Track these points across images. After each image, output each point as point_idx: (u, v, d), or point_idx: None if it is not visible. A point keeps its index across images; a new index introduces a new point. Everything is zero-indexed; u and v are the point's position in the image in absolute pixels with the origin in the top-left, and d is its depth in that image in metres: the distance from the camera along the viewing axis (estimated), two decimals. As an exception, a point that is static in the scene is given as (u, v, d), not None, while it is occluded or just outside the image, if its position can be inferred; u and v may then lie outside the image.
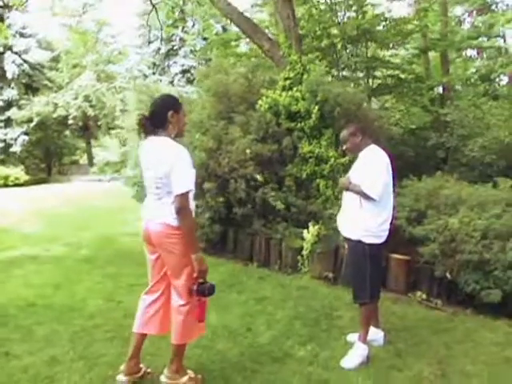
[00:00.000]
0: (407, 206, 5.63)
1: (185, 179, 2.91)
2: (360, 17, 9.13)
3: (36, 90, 23.66)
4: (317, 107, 6.02)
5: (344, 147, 3.97)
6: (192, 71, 22.61)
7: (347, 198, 3.89)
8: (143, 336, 3.23)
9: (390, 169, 3.76)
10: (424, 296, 5.27)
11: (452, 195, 5.57)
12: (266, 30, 8.23)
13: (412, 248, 5.59)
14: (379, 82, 9.77)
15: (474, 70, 14.50)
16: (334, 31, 9.54)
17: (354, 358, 3.63)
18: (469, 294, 4.93)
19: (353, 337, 3.91)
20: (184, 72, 23.06)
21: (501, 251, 4.78)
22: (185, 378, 3.14)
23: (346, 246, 4.35)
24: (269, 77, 6.90)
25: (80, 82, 21.68)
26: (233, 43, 10.70)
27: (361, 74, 9.55)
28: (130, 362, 3.19)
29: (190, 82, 22.12)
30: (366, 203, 3.69)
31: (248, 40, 9.98)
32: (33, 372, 3.25)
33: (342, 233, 4.00)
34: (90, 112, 21.10)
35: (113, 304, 4.61)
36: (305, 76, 6.37)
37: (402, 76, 9.65)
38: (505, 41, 15.16)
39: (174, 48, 23.19)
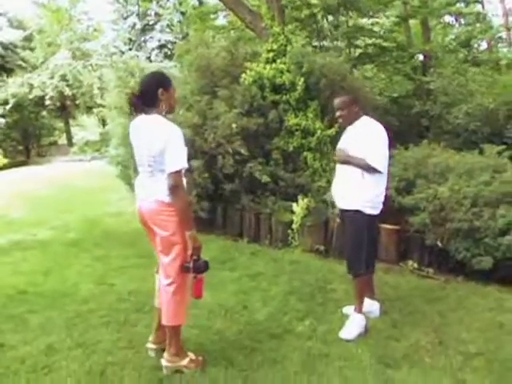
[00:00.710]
0: (396, 175, 5.61)
1: (178, 157, 2.88)
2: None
3: (10, 71, 22.93)
4: (302, 79, 5.93)
5: (338, 114, 3.82)
6: (169, 46, 22.24)
7: (344, 169, 3.80)
8: None
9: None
10: (415, 265, 5.31)
11: (440, 163, 5.57)
12: (247, 2, 8.01)
13: (401, 217, 5.61)
14: (360, 51, 9.67)
15: (452, 37, 14.49)
16: (314, 1, 9.37)
17: (352, 328, 3.66)
18: (460, 261, 4.98)
19: (348, 309, 3.92)
20: (161, 47, 22.60)
21: (491, 218, 4.81)
22: (185, 361, 3.13)
23: (339, 219, 4.32)
24: (251, 49, 6.74)
25: (55, 61, 21.02)
26: (211, 16, 10.44)
27: (342, 44, 9.43)
28: (157, 332, 3.27)
29: (167, 56, 21.71)
30: (367, 174, 3.65)
31: (226, 13, 9.80)
32: (30, 362, 3.19)
33: (337, 204, 3.95)
34: (67, 91, 20.53)
35: (105, 287, 4.54)
36: (288, 48, 6.25)
37: (384, 44, 9.55)
38: (483, 7, 15.13)
39: (150, 23, 22.65)
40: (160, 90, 2.97)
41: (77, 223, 7.31)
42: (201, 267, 2.99)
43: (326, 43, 9.53)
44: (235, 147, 5.79)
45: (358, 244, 3.74)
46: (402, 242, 5.55)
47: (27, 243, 6.28)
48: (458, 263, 5.06)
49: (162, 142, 2.85)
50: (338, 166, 3.91)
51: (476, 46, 14.72)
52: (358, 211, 3.68)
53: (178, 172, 2.88)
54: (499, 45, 15.02)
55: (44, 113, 23.48)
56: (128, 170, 7.04)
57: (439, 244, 5.11)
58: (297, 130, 6.16)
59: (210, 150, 5.89)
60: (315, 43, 9.12)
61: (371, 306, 3.98)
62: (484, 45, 15.46)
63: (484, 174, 5.27)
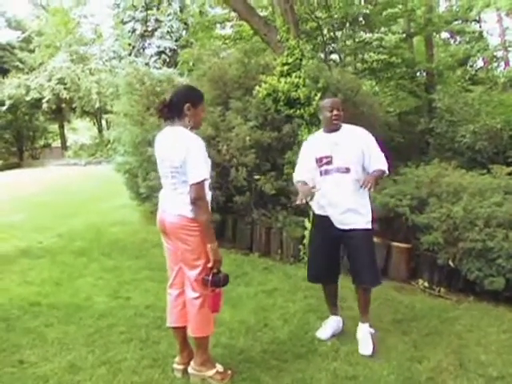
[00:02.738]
0: (408, 193, 5.64)
1: (200, 168, 2.88)
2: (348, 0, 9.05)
3: (7, 72, 22.69)
4: (319, 94, 5.92)
5: (335, 113, 3.59)
6: (168, 53, 22.19)
7: (343, 188, 3.60)
8: (182, 328, 3.18)
9: None
10: (426, 284, 5.31)
11: (453, 183, 5.61)
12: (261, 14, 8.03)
13: (412, 236, 5.63)
14: (366, 66, 9.75)
15: (449, 55, 14.70)
16: (320, 14, 9.43)
17: (370, 343, 3.68)
18: (470, 281, 5.00)
19: (360, 330, 3.83)
20: (160, 53, 22.53)
21: (504, 239, 4.84)
22: (211, 372, 3.12)
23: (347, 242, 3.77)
24: (264, 61, 6.73)
25: (54, 64, 20.85)
26: (218, 25, 10.45)
27: (348, 58, 9.51)
28: (182, 354, 3.24)
29: (166, 63, 21.66)
30: (358, 188, 3.57)
31: (233, 23, 9.81)
32: (54, 381, 3.10)
33: (342, 226, 3.65)
34: (65, 94, 20.36)
35: (121, 301, 4.46)
36: (304, 61, 6.25)
37: (391, 60, 9.64)
38: (480, 26, 15.39)
39: (150, 29, 22.54)
40: (187, 105, 2.98)
41: (82, 231, 7.21)
42: (220, 281, 2.98)
43: (331, 57, 9.62)
44: (251, 161, 5.76)
45: (374, 258, 3.77)
46: (412, 261, 5.56)
47: (34, 251, 6.17)
48: (467, 283, 5.08)
49: (183, 153, 2.85)
50: (333, 186, 3.62)
51: (472, 64, 14.99)
52: (367, 229, 3.66)
53: (200, 183, 2.87)
54: (495, 64, 15.32)
55: (39, 115, 23.26)
56: (136, 179, 6.98)
57: (451, 263, 5.12)
58: (310, 145, 6.15)
59: (222, 161, 5.86)
60: (322, 56, 9.16)
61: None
62: (479, 63, 15.77)
63: (495, 195, 5.32)
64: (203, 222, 2.90)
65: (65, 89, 20.56)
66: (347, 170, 3.58)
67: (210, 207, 3.01)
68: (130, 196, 7.97)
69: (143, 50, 22.82)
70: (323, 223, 3.76)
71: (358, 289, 3.81)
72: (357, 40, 9.34)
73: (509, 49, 14.41)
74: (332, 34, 9.35)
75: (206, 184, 2.95)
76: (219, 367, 3.17)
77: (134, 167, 7.07)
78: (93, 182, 12.90)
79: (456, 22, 13.40)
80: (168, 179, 3.03)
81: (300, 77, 6.18)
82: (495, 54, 14.60)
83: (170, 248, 3.14)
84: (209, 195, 3.02)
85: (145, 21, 21.88)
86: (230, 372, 3.18)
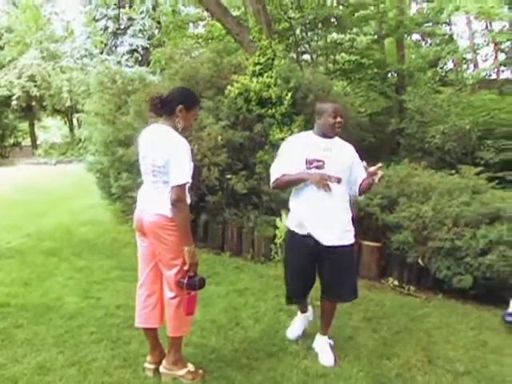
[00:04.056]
0: (378, 192, 5.70)
1: (183, 171, 2.85)
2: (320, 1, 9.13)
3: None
4: (290, 94, 5.95)
5: (339, 120, 3.34)
6: (140, 51, 21.96)
7: (334, 199, 3.33)
8: (153, 329, 3.19)
9: None
10: (396, 282, 5.40)
11: (423, 183, 5.71)
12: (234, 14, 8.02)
13: (382, 235, 5.71)
14: (338, 66, 9.84)
15: (419, 56, 14.92)
16: (293, 14, 9.49)
17: (331, 354, 3.57)
18: (438, 279, 5.11)
19: (320, 342, 3.69)
20: (132, 52, 22.22)
21: (472, 238, 4.95)
22: (183, 371, 3.12)
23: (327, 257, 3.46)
24: (236, 61, 6.73)
25: (24, 61, 20.39)
26: (191, 25, 10.40)
27: (320, 59, 9.58)
28: (153, 353, 3.21)
29: (138, 62, 21.43)
30: (347, 202, 3.46)
31: (205, 22, 9.79)
32: (23, 383, 3.04)
33: (328, 243, 3.36)
34: (35, 92, 19.93)
35: (92, 301, 4.40)
36: (276, 62, 6.28)
37: (362, 61, 9.75)
38: (450, 28, 15.68)
39: (122, 27, 22.26)
40: (180, 106, 2.95)
41: (52, 230, 7.07)
42: (195, 285, 2.97)
43: (303, 57, 9.68)
44: (223, 160, 5.75)
45: (354, 272, 3.73)
46: (382, 260, 5.64)
47: (2, 251, 6.03)
48: (436, 281, 5.18)
49: (167, 153, 2.84)
50: (321, 196, 3.31)
51: (441, 66, 15.24)
52: (351, 245, 3.46)
53: (182, 186, 2.86)
54: (464, 66, 15.62)
55: (8, 113, 22.72)
56: (107, 178, 6.90)
57: (420, 262, 5.22)
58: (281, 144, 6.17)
59: (194, 161, 5.82)
60: (293, 56, 9.21)
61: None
62: (449, 65, 16.05)
63: (464, 195, 5.43)
64: (182, 224, 2.89)
65: (35, 86, 20.09)
66: (338, 181, 3.32)
67: (188, 210, 2.99)
68: (101, 196, 7.87)
69: (115, 48, 22.47)
70: (302, 244, 3.44)
71: (327, 303, 3.61)
72: (328, 41, 9.41)
73: (477, 51, 14.73)
74: (304, 34, 9.40)
75: (187, 186, 2.93)
76: (190, 366, 3.17)
77: (105, 167, 6.98)
78: (63, 181, 12.69)
79: (427, 25, 13.61)
80: (149, 176, 3.01)
81: (272, 77, 6.20)
82: (465, 56, 14.89)
83: (145, 247, 3.11)
84: (188, 197, 2.99)
85: (117, 18, 21.59)
86: (201, 371, 3.19)
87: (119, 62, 19.44)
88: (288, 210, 3.67)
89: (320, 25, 9.23)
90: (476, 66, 14.78)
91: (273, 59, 6.34)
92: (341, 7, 8.90)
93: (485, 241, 4.87)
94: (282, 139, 6.14)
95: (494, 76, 13.63)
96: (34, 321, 3.95)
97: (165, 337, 3.19)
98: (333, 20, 8.85)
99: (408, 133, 8.55)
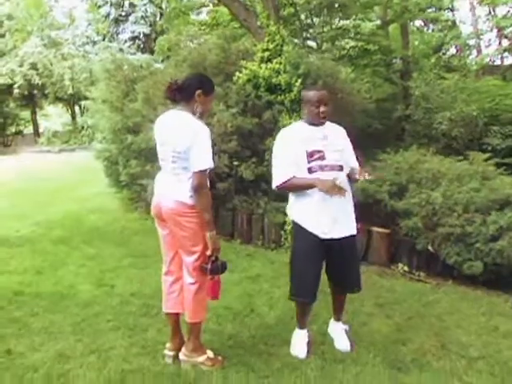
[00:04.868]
0: (388, 179, 5.70)
1: (205, 156, 2.86)
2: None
3: (-25, 57, 21.86)
4: (299, 80, 5.91)
5: (323, 109, 3.20)
6: (142, 38, 21.81)
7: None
8: (176, 315, 3.20)
9: None
10: (406, 268, 5.42)
11: (432, 169, 5.70)
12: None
13: (391, 221, 5.71)
14: (343, 53, 9.78)
15: (422, 42, 14.83)
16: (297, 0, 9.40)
17: (347, 339, 3.58)
18: (448, 265, 5.12)
19: (335, 328, 3.71)
20: (134, 39, 22.09)
21: (482, 224, 4.95)
22: (202, 358, 3.14)
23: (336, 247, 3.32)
24: (244, 47, 6.68)
25: (25, 49, 20.25)
26: (195, 11, 10.31)
27: (325, 45, 9.52)
28: (174, 340, 3.23)
29: (140, 49, 21.28)
30: (349, 190, 3.33)
31: (208, 8, 9.70)
32: (44, 371, 3.06)
33: (337, 235, 3.26)
34: (37, 80, 19.81)
35: (106, 289, 4.42)
36: (285, 48, 6.22)
37: (367, 47, 9.68)
38: (453, 14, 15.59)
39: (124, 14, 22.07)
40: (198, 91, 2.95)
41: (60, 219, 7.09)
42: (218, 269, 3.01)
43: (308, 43, 9.61)
44: (230, 147, 5.73)
45: (358, 261, 3.68)
46: (392, 246, 5.66)
47: (12, 240, 6.04)
48: (446, 267, 5.19)
49: (188, 139, 2.83)
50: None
51: (444, 51, 15.16)
52: (355, 235, 3.40)
53: (204, 171, 2.87)
54: (467, 52, 15.53)
55: (10, 101, 22.61)
56: (115, 166, 6.88)
57: (430, 248, 5.23)
58: (291, 130, 6.16)
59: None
60: (299, 42, 9.15)
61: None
62: (452, 51, 15.97)
63: (473, 181, 5.42)
64: (204, 210, 2.90)
65: (37, 74, 20.02)
66: (340, 168, 3.22)
67: (210, 195, 2.98)
68: (108, 183, 7.87)
69: (117, 35, 22.31)
70: (310, 241, 3.28)
71: (338, 293, 3.60)
72: (334, 27, 9.35)
73: (481, 37, 14.65)
74: (310, 20, 9.33)
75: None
76: (210, 353, 3.19)
77: (113, 154, 6.96)
78: (68, 169, 12.69)
79: (429, 10, 13.51)
80: (168, 163, 3.00)
81: (281, 63, 6.14)
82: (468, 42, 14.82)
83: (166, 234, 3.12)
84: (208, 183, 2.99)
85: (119, 5, 21.38)
86: (220, 358, 3.21)
87: (121, 49, 19.29)
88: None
89: (325, 10, 9.14)
90: (479, 51, 14.71)
91: (281, 45, 6.27)
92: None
93: (495, 227, 4.86)
94: (291, 126, 6.15)
95: (497, 62, 13.62)
96: (50, 309, 3.97)
97: (184, 324, 3.21)
98: (338, 6, 8.77)
99: (414, 119, 8.52)
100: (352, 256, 3.44)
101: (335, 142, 3.27)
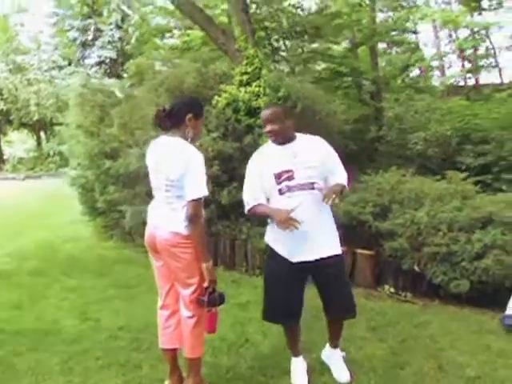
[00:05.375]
0: (370, 200, 5.70)
1: (199, 184, 2.76)
2: (296, 11, 9.18)
3: None
4: (280, 103, 5.90)
5: (268, 128, 3.10)
6: (108, 62, 21.55)
7: (310, 208, 3.04)
8: (173, 351, 3.06)
9: None
10: (392, 289, 5.40)
11: (414, 189, 5.74)
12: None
13: (375, 242, 5.71)
14: (315, 75, 9.90)
15: (388, 64, 15.24)
16: (268, 24, 9.49)
17: (346, 369, 3.43)
18: (435, 285, 5.13)
19: (332, 356, 3.55)
20: (100, 63, 21.81)
21: (467, 243, 4.99)
22: None
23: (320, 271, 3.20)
24: (221, 71, 6.65)
25: (-10, 74, 19.82)
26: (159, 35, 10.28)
27: (297, 68, 9.62)
28: (172, 377, 3.07)
29: (107, 74, 21.00)
30: (327, 208, 3.16)
31: (180, 32, 9.69)
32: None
33: (312, 257, 3.11)
34: (1, 106, 19.30)
35: (91, 323, 4.21)
36: (263, 71, 6.22)
37: (339, 69, 9.84)
38: (416, 37, 16.11)
39: (90, 38, 21.76)
40: (189, 116, 2.87)
41: (33, 249, 6.82)
42: (215, 300, 2.89)
43: (281, 66, 9.70)
44: (212, 172, 5.64)
45: (349, 285, 3.42)
46: (377, 267, 5.64)
47: (-16, 273, 5.74)
48: (431, 287, 5.20)
49: (182, 166, 2.73)
50: (299, 206, 2.98)
51: (408, 73, 15.61)
52: (340, 254, 3.23)
53: (198, 200, 2.77)
54: (431, 73, 16.05)
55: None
56: (91, 193, 6.69)
57: (416, 268, 5.23)
58: (271, 154, 6.12)
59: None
60: (271, 66, 9.22)
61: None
62: (415, 72, 16.48)
63: (454, 200, 5.48)
64: (199, 240, 2.80)
65: (1, 100, 19.54)
66: (312, 186, 3.07)
67: (205, 225, 2.90)
68: (82, 211, 7.64)
69: (83, 59, 22.03)
70: (283, 263, 3.16)
71: (333, 321, 3.42)
72: (305, 50, 9.47)
73: (443, 59, 15.13)
74: (281, 42, 9.43)
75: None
76: None
77: (89, 181, 6.77)
78: (35, 196, 12.33)
79: (394, 33, 13.92)
80: (161, 192, 2.90)
81: (260, 86, 6.14)
82: (431, 63, 15.30)
83: (160, 266, 3.00)
84: (203, 212, 2.90)
85: (86, 30, 21.16)
86: None
87: (88, 74, 19.05)
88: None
89: (295, 34, 9.26)
90: (442, 72, 15.20)
91: (260, 68, 6.28)
92: (317, 16, 8.96)
93: (480, 245, 4.90)
94: (272, 149, 6.11)
95: (461, 83, 14.09)
96: (34, 347, 3.75)
97: (181, 358, 3.07)
98: (309, 29, 8.89)
99: (387, 140, 8.65)
100: (338, 279, 3.22)
101: (307, 158, 3.07)
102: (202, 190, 2.77)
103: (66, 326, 4.17)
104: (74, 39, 21.87)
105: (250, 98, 6.10)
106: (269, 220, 3.29)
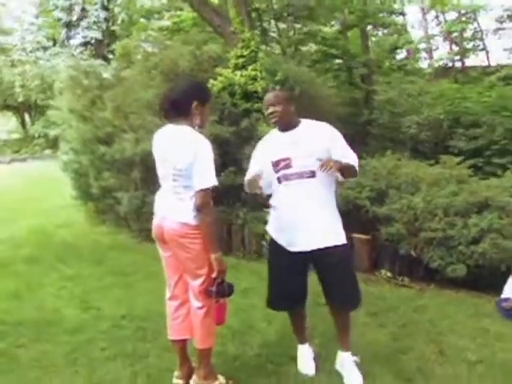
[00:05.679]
0: (366, 185, 5.71)
1: (208, 173, 2.71)
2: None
3: None
4: (278, 87, 5.84)
5: (270, 110, 3.05)
6: (93, 43, 21.06)
7: (310, 196, 2.98)
8: (183, 341, 3.02)
9: None
10: (389, 274, 5.44)
11: (411, 174, 5.76)
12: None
13: (372, 227, 5.73)
14: (306, 57, 9.80)
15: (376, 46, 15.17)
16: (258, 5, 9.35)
17: (359, 375, 3.23)
18: (431, 269, 5.18)
19: (343, 361, 3.32)
20: (86, 44, 21.28)
21: (463, 227, 5.04)
22: None
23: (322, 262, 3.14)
24: (216, 54, 6.53)
25: (-27, 56, 19.25)
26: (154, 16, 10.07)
27: (289, 49, 9.51)
28: (182, 368, 3.04)
29: (93, 55, 20.53)
30: (328, 197, 3.11)
31: (169, 14, 9.51)
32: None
33: (312, 247, 3.04)
34: (-14, 88, 18.88)
35: (93, 312, 4.15)
36: (260, 54, 6.13)
37: (330, 51, 9.75)
38: (404, 19, 16.05)
39: (75, 19, 21.18)
40: (195, 103, 2.78)
41: (26, 235, 6.69)
42: (225, 291, 2.87)
43: (271, 49, 9.57)
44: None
45: (354, 276, 3.24)
46: (374, 252, 5.67)
47: (-23, 262, 5.61)
48: (428, 271, 5.26)
49: (191, 156, 2.66)
50: (297, 194, 3.01)
51: (394, 56, 15.58)
52: (344, 245, 3.10)
53: (207, 190, 2.72)
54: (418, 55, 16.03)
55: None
56: (84, 178, 6.57)
57: (413, 253, 5.27)
58: (269, 139, 6.06)
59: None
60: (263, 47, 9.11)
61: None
62: (402, 55, 16.46)
63: (450, 185, 5.51)
64: (208, 230, 2.75)
65: (-15, 81, 19.10)
66: (312, 174, 2.98)
67: (214, 215, 2.84)
68: (75, 196, 7.51)
69: (68, 40, 21.46)
70: (283, 252, 3.15)
71: (335, 313, 3.28)
72: (297, 32, 9.37)
73: (431, 41, 15.11)
74: (273, 24, 9.31)
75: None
76: (221, 378, 3.05)
77: (83, 166, 6.64)
78: (23, 180, 12.05)
79: (381, 15, 13.85)
80: (168, 182, 2.83)
81: (256, 69, 6.05)
82: (419, 46, 15.27)
83: (168, 257, 2.95)
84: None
85: (70, 10, 20.60)
86: (231, 382, 3.07)
87: (73, 55, 18.59)
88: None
89: (287, 15, 9.14)
90: (430, 55, 15.20)
91: (256, 52, 6.17)
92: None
93: (476, 229, 4.96)
94: (269, 133, 6.05)
95: (449, 65, 14.11)
96: (36, 338, 3.67)
97: (191, 348, 3.05)
98: (301, 11, 8.78)
99: (379, 123, 8.63)
100: (339, 269, 3.11)
101: (309, 146, 2.99)
102: (211, 179, 2.72)
103: (67, 315, 4.10)
104: (59, 19, 21.35)
105: (247, 82, 6.02)
106: (271, 209, 3.27)
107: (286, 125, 3.08)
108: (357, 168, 3.09)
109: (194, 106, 2.78)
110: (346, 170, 2.97)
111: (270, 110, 3.05)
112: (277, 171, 3.04)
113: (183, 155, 2.70)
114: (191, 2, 6.92)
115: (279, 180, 3.05)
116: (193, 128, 2.80)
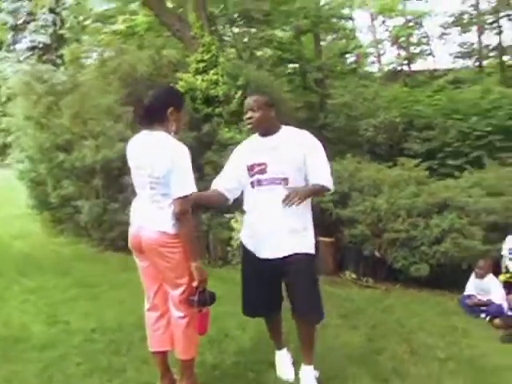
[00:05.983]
0: (330, 188, 5.77)
1: (187, 180, 2.62)
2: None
3: None
4: (240, 92, 5.82)
5: (248, 115, 2.98)
6: (41, 48, 20.23)
7: (279, 203, 2.76)
8: (164, 352, 2.93)
9: None
10: (353, 275, 5.55)
11: (372, 176, 5.88)
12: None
13: (335, 229, 5.81)
14: (263, 62, 9.83)
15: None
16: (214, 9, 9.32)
17: None
18: (395, 269, 5.31)
19: (303, 374, 3.19)
20: (33, 48, 20.45)
21: (425, 228, 5.20)
22: None
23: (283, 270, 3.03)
24: (175, 58, 6.44)
25: None
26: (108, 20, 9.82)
27: (244, 54, 9.51)
28: (163, 381, 2.95)
29: (40, 60, 19.73)
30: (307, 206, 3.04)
31: (123, 18, 9.33)
32: None
33: (279, 254, 2.98)
34: None
35: (61, 327, 3.95)
36: (220, 59, 6.09)
37: (285, 56, 9.83)
38: (353, 23, 16.45)
39: (20, 22, 20.31)
40: (170, 109, 2.71)
41: (-20, 246, 6.35)
42: (206, 300, 2.79)
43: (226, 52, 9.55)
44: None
45: (317, 289, 3.08)
46: (337, 254, 5.76)
47: None
48: (391, 271, 5.39)
49: (168, 162, 2.58)
50: (267, 200, 2.94)
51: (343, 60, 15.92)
52: (308, 254, 2.99)
53: (186, 197, 2.62)
54: (366, 59, 16.44)
55: None
56: (42, 187, 6.30)
57: (377, 254, 5.39)
58: (230, 144, 6.02)
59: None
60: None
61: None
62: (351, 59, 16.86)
63: (410, 187, 5.67)
64: (188, 239, 2.67)
65: None
66: (284, 181, 2.91)
67: (194, 223, 2.78)
68: (28, 205, 7.20)
69: (14, 44, 20.55)
70: (253, 259, 3.11)
71: (298, 323, 3.14)
72: (252, 36, 9.38)
73: (379, 46, 15.54)
74: (228, 29, 9.30)
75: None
76: None
77: (40, 174, 6.36)
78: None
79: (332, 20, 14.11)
80: (145, 190, 2.73)
81: (218, 74, 6.01)
82: (367, 50, 15.67)
83: (146, 267, 2.85)
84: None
85: (16, 13, 19.72)
86: None
87: (20, 61, 17.78)
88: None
89: (242, 21, 9.16)
90: (378, 59, 15.64)
91: (217, 56, 6.13)
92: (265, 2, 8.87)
93: (438, 229, 5.14)
94: (231, 139, 6.02)
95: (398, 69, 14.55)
96: (5, 357, 3.46)
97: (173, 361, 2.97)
98: (257, 16, 8.80)
99: (335, 127, 8.76)
100: (302, 279, 3.00)
101: (287, 152, 2.92)
102: (189, 186, 2.64)
103: (35, 331, 3.89)
104: (5, 22, 20.38)
105: (208, 87, 5.97)
106: (244, 215, 3.25)
107: (266, 130, 3.01)
108: (326, 183, 2.95)
109: (169, 111, 2.71)
110: (314, 195, 3.04)
111: (249, 114, 2.99)
112: (251, 175, 2.99)
113: (160, 162, 2.62)
114: (152, 7, 6.79)
115: (252, 185, 3.01)
116: (168, 134, 2.73)
